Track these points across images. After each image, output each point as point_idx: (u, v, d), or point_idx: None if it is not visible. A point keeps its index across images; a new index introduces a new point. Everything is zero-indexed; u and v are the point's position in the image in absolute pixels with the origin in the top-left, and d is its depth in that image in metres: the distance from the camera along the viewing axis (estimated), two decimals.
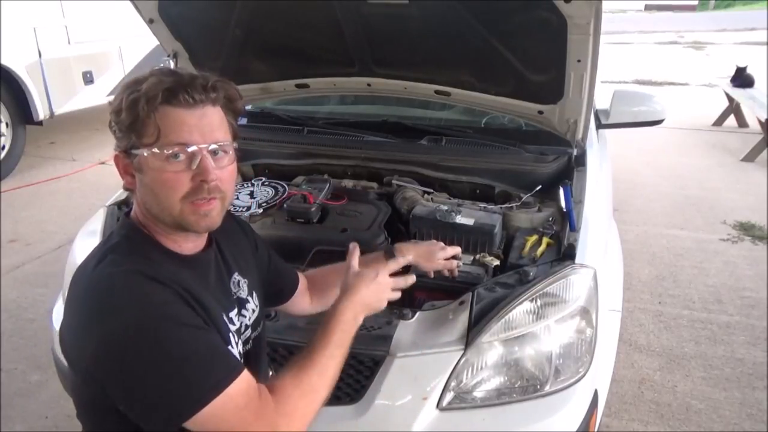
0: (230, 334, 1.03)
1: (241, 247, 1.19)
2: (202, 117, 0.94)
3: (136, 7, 1.94)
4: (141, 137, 0.92)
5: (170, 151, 0.92)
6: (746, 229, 3.95)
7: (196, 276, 1.01)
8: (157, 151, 0.92)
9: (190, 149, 0.93)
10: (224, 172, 0.97)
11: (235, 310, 1.09)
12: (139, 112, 0.91)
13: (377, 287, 1.13)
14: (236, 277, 1.14)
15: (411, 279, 1.23)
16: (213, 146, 0.95)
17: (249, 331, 1.14)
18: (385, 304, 1.15)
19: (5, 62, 4.78)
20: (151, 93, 0.91)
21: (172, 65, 2.13)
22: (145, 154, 0.93)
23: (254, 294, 1.18)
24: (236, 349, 1.04)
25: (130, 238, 0.98)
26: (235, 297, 1.12)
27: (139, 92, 0.91)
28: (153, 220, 0.98)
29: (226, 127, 0.99)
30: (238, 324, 1.08)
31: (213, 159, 0.95)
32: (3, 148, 5.02)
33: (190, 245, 1.03)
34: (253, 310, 1.16)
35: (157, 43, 2.10)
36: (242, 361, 1.06)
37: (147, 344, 0.84)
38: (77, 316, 0.91)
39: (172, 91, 0.92)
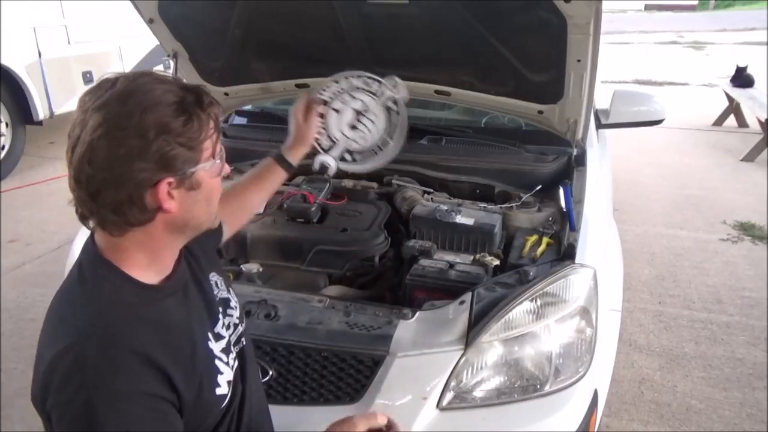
0: (216, 362, 0.96)
1: (203, 241, 1.10)
2: None
3: (136, 7, 1.94)
4: (202, 152, 0.87)
5: (220, 156, 0.91)
6: (746, 229, 3.95)
7: (177, 302, 0.94)
8: (217, 160, 0.90)
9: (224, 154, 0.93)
10: None
11: (221, 321, 1.03)
12: (210, 127, 0.87)
13: None
14: (213, 277, 1.08)
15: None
16: None
17: (240, 328, 1.09)
18: None
19: (5, 62, 4.78)
20: (213, 104, 0.88)
21: (172, 65, 2.14)
22: (208, 167, 0.88)
23: (230, 288, 1.13)
24: (229, 366, 0.99)
25: (109, 283, 0.87)
26: (218, 299, 1.06)
27: (203, 107, 0.86)
28: (145, 241, 0.88)
29: None
30: (226, 335, 1.02)
31: None
32: (3, 148, 5.02)
33: (175, 256, 0.96)
34: (235, 306, 1.11)
35: (157, 43, 2.10)
36: (236, 364, 1.03)
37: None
38: (44, 361, 0.84)
39: (208, 95, 0.89)
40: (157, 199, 0.83)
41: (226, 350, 1.01)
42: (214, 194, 0.93)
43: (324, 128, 1.62)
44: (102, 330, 0.83)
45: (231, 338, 1.04)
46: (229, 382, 0.98)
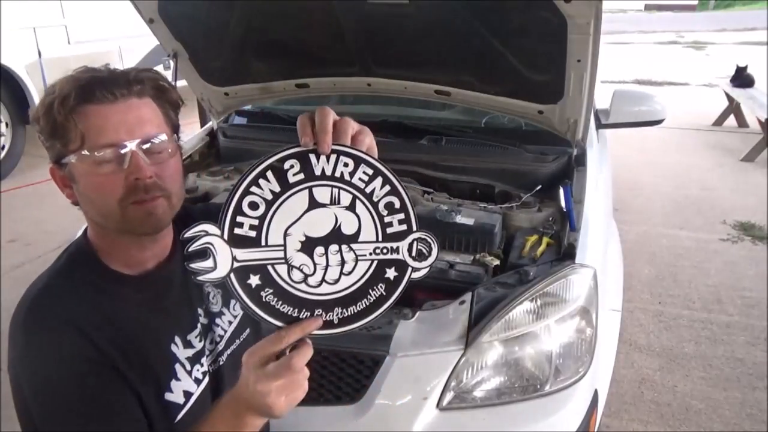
0: (175, 366, 0.95)
1: None
2: (127, 112, 0.87)
3: (136, 7, 1.94)
4: (66, 144, 0.86)
5: (98, 154, 0.84)
6: (746, 229, 3.95)
7: (146, 299, 0.95)
8: (86, 153, 0.85)
9: (120, 150, 0.85)
10: (163, 167, 0.89)
11: (198, 330, 1.01)
12: (55, 117, 0.84)
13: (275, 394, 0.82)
14: (207, 288, 1.06)
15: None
16: (146, 143, 0.87)
17: (221, 346, 1.06)
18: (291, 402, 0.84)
19: (5, 62, 4.79)
20: (64, 93, 0.84)
21: (172, 65, 2.14)
22: (73, 160, 0.86)
23: (232, 303, 1.09)
24: (191, 377, 0.98)
25: (75, 263, 0.94)
26: (206, 311, 1.04)
27: (52, 95, 0.84)
28: (101, 232, 0.93)
29: (160, 120, 0.92)
30: (199, 346, 1.01)
31: (147, 155, 0.87)
32: (3, 148, 5.02)
33: (147, 254, 0.95)
34: (230, 322, 1.08)
35: (157, 43, 2.10)
36: (209, 380, 1.01)
37: (40, 396, 0.87)
38: (9, 338, 0.91)
39: (88, 88, 0.84)
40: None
41: (193, 360, 0.99)
42: (93, 192, 0.88)
43: (258, 214, 0.77)
44: (38, 299, 0.90)
45: (206, 351, 1.02)
46: (186, 393, 0.96)
